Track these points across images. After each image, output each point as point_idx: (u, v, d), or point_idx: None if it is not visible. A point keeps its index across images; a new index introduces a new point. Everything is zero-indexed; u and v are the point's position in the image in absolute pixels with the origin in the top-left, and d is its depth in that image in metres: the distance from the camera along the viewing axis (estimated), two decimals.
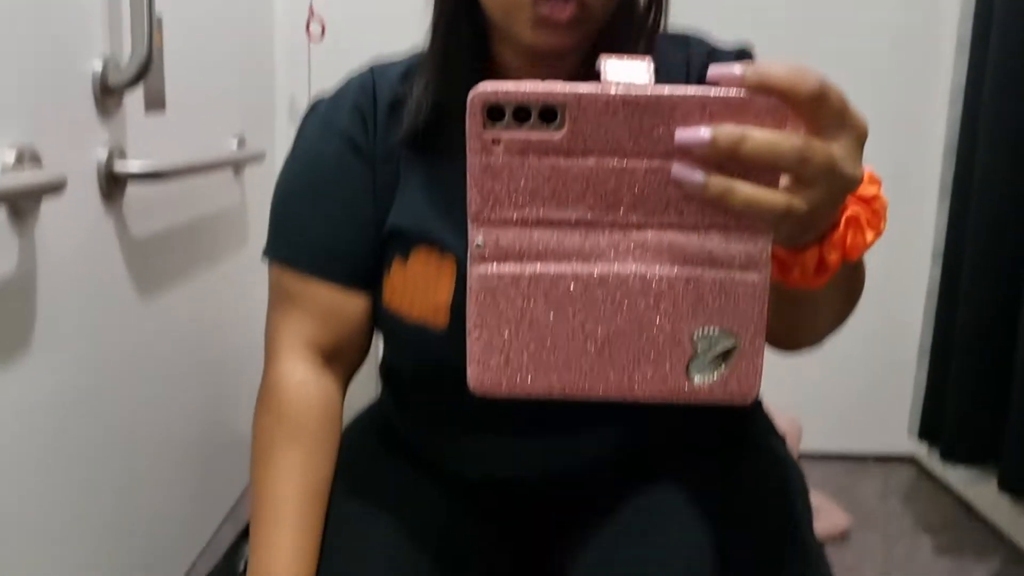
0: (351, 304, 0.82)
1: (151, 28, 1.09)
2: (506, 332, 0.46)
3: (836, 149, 0.45)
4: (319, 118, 0.84)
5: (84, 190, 1.08)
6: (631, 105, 0.43)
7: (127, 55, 1.10)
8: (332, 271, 0.81)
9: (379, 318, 0.83)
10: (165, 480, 1.48)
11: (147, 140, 1.23)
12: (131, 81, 1.10)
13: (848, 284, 0.65)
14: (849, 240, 0.52)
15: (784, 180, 0.46)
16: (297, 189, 0.83)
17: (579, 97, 0.43)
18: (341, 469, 0.87)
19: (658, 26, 0.78)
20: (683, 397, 0.47)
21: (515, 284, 0.46)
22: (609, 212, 0.45)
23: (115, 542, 1.32)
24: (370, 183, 0.80)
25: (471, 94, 0.44)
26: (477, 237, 0.46)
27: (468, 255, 0.47)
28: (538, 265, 0.46)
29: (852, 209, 0.52)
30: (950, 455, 1.81)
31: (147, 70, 1.09)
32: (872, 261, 2.04)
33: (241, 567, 0.87)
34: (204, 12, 1.51)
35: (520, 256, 0.46)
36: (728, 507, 0.76)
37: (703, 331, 0.46)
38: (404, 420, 0.90)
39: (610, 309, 0.46)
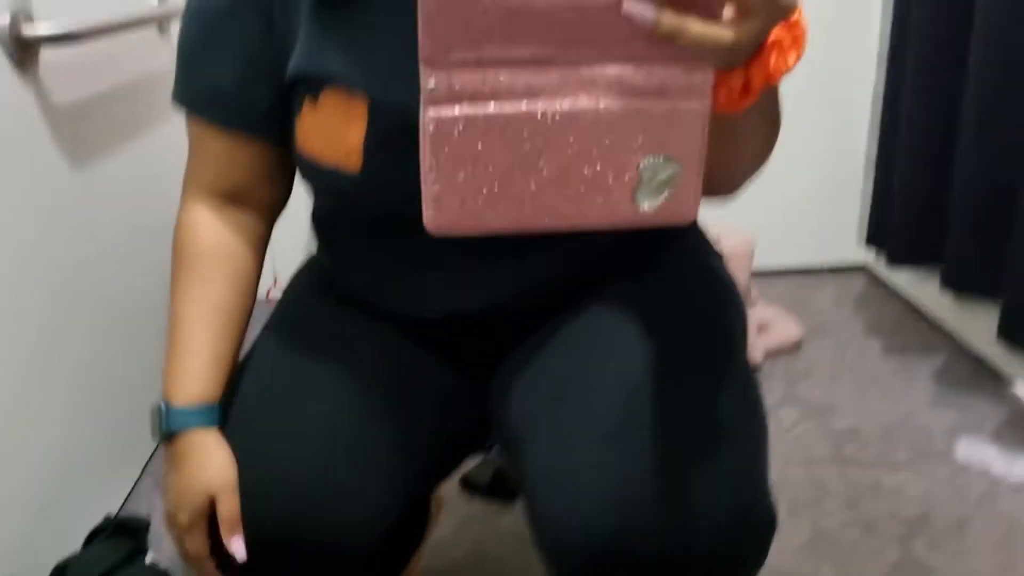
0: (245, 150, 0.83)
1: None
2: (461, 174, 0.47)
3: None
4: None
5: None
6: None
7: None
8: (223, 116, 0.82)
9: (297, 162, 0.83)
10: (120, 348, 1.50)
11: (56, 1, 1.17)
12: None
13: (767, 116, 0.65)
14: (772, 63, 0.52)
15: (727, 13, 0.46)
16: (191, 34, 0.82)
17: None
18: (280, 312, 0.92)
19: None
20: (631, 222, 0.49)
21: (470, 125, 0.46)
22: (560, 48, 0.45)
23: (75, 409, 1.36)
24: (265, 26, 0.79)
25: None
26: (430, 81, 0.45)
27: (421, 99, 0.46)
28: (491, 105, 0.46)
29: (775, 33, 0.52)
30: (896, 258, 1.86)
31: None
32: (819, 74, 2.02)
33: None
34: None
35: (473, 97, 0.45)
36: (664, 322, 0.79)
37: (649, 159, 0.47)
38: (338, 264, 0.92)
39: (562, 143, 0.47)
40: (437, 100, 0.45)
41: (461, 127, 0.46)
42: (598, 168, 0.47)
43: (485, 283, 0.84)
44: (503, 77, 0.45)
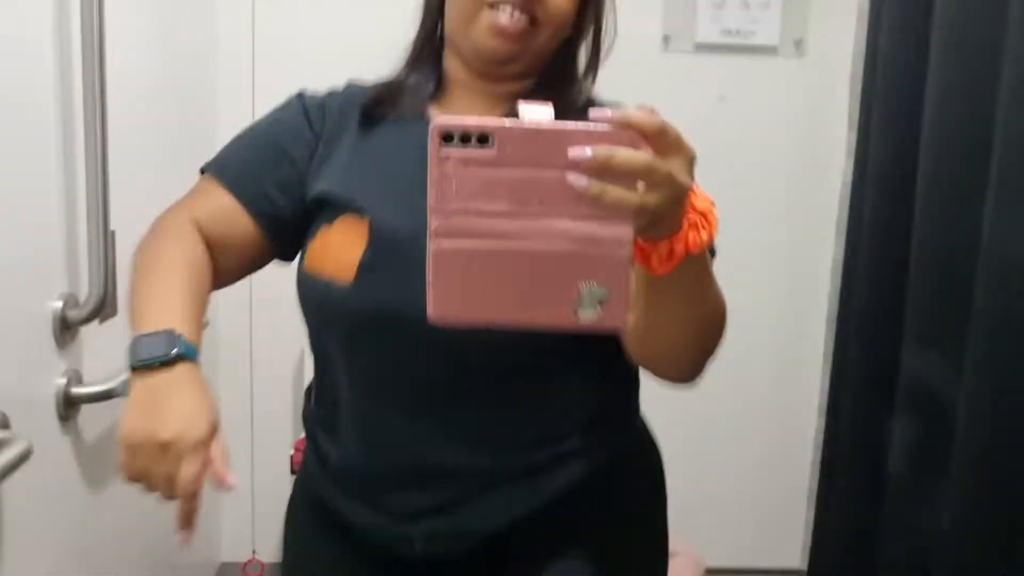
0: (242, 221, 0.98)
1: (107, 270, 1.21)
2: (455, 286, 0.66)
3: (673, 165, 0.65)
4: (295, 97, 1.06)
5: (42, 420, 1.20)
6: (540, 134, 0.64)
7: (84, 292, 1.23)
8: (242, 189, 0.98)
9: (298, 286, 0.98)
10: None
11: (102, 349, 1.33)
12: (88, 318, 1.22)
13: (699, 287, 0.81)
14: (690, 238, 0.72)
15: (640, 187, 0.65)
16: (251, 130, 1.03)
17: (505, 128, 0.64)
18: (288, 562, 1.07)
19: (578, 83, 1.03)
20: (572, 328, 0.67)
21: (460, 254, 0.65)
22: (524, 206, 0.64)
23: None
24: (310, 154, 1.01)
25: (431, 125, 0.63)
26: (434, 222, 0.65)
27: (428, 234, 0.65)
28: (476, 241, 0.64)
29: (691, 216, 0.72)
30: None
31: (103, 307, 1.21)
32: (760, 422, 2.15)
33: None
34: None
35: (463, 235, 0.64)
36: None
37: (586, 285, 0.66)
38: (330, 453, 1.04)
39: (525, 271, 0.65)
40: (438, 235, 0.65)
41: (455, 255, 0.65)
42: (549, 289, 0.66)
43: (464, 521, 0.99)
44: (485, 223, 0.64)
